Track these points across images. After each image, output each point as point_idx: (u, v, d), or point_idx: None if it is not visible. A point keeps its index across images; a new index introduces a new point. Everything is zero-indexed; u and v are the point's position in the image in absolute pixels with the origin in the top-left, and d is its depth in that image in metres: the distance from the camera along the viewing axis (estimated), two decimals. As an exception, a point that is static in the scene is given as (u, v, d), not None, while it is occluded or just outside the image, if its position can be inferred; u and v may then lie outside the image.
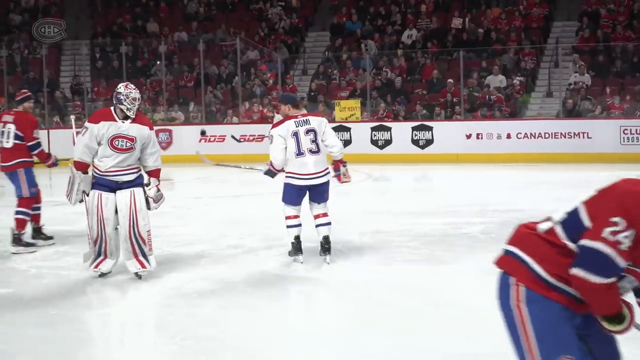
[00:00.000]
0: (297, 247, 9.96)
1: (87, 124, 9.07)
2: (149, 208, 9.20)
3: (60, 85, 30.62)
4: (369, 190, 18.94)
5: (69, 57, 32.29)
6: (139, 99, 9.10)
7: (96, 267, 9.23)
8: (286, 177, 9.94)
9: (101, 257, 9.19)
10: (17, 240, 11.14)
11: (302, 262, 9.86)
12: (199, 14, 33.45)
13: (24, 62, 31.01)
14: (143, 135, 9.10)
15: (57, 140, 25.93)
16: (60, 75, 31.76)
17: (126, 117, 9.03)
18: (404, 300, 8.13)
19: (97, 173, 9.04)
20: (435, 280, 9.02)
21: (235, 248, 11.05)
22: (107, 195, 8.98)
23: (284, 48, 30.75)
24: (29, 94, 11.94)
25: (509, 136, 23.39)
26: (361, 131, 24.93)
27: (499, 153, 23.08)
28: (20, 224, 11.19)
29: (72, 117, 12.58)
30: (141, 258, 9.10)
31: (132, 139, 8.99)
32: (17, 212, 11.26)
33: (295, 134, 9.79)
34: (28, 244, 11.27)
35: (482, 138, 23.65)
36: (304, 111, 10.21)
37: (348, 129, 25.01)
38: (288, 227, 9.98)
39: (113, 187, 9.02)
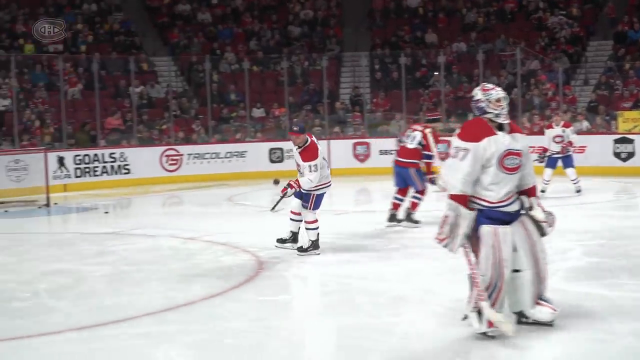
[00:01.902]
0: (318, 244, 11.72)
1: (464, 143, 7.12)
2: (542, 235, 7.42)
3: (340, 97, 31.06)
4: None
5: (348, 69, 32.74)
6: (504, 97, 7.30)
7: (490, 325, 7.09)
8: (321, 188, 11.73)
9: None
10: (408, 217, 14.17)
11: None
12: (478, 24, 33.18)
13: (304, 74, 31.60)
14: (525, 147, 7.36)
15: (336, 150, 26.41)
16: (340, 86, 32.22)
17: (499, 127, 7.24)
18: None
19: (484, 205, 7.18)
20: None
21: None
22: (504, 230, 7.15)
23: (564, 57, 30.03)
24: (440, 117, 14.57)
25: None
26: (646, 143, 23.93)
27: None
28: (414, 206, 14.22)
29: (416, 129, 14.20)
30: (541, 300, 7.40)
31: (519, 154, 7.21)
32: (413, 197, 14.25)
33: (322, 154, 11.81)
34: (415, 222, 14.12)
35: None
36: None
37: (631, 141, 24.03)
38: (317, 228, 11.69)
39: (507, 220, 7.22)
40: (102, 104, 26.38)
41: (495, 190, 7.10)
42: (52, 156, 22.43)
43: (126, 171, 24.88)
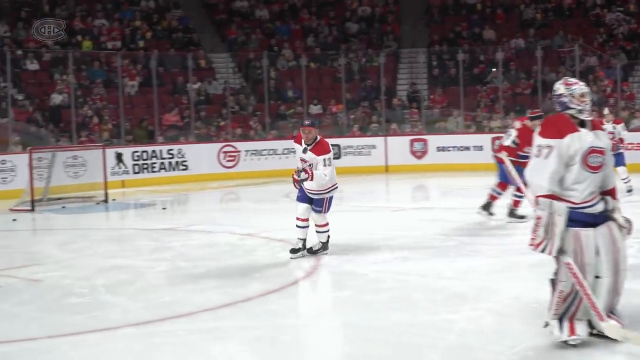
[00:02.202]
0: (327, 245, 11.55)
1: (548, 141, 6.64)
2: None
3: (397, 93, 30.96)
4: None
5: (406, 65, 32.59)
6: (588, 92, 6.78)
7: (572, 333, 6.72)
8: (332, 190, 11.35)
9: (568, 320, 6.79)
10: (511, 213, 14.18)
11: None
12: (536, 21, 32.91)
13: (362, 70, 31.55)
14: (608, 145, 6.90)
15: (393, 146, 26.38)
16: (397, 83, 32.11)
17: (581, 124, 6.73)
18: None
19: (567, 207, 6.63)
20: None
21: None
22: (586, 233, 6.63)
23: (622, 54, 29.69)
24: (541, 114, 14.14)
25: None
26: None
27: None
28: (516, 203, 14.13)
29: (514, 126, 14.37)
30: (612, 313, 6.82)
31: (602, 152, 6.70)
32: (514, 195, 14.05)
33: None
34: (520, 217, 13.96)
35: None
36: None
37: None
38: (328, 231, 11.45)
39: (590, 222, 6.68)
40: (159, 101, 26.53)
41: (579, 189, 6.62)
42: (110, 152, 22.60)
43: (184, 167, 25.01)
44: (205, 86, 29.34)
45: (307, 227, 11.31)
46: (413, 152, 26.60)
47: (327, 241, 11.45)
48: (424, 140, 26.68)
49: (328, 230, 11.41)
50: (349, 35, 33.62)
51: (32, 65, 27.34)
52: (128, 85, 27.60)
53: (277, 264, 11.01)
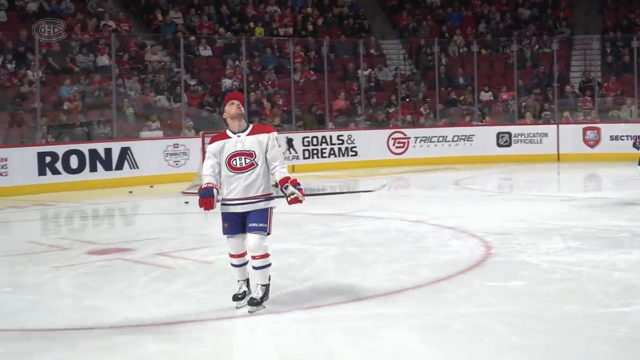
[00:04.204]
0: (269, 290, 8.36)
1: None
2: None
3: (570, 80, 30.40)
4: None
5: (579, 52, 32.02)
6: None
7: None
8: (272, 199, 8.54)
9: None
10: None
11: None
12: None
13: (534, 57, 31.12)
14: None
15: (565, 135, 25.98)
16: (571, 70, 31.55)
17: None
18: None
19: None
20: None
21: None
22: None
23: None
24: None
25: None
26: None
27: None
28: None
29: None
30: None
31: None
32: None
33: None
34: None
35: None
36: None
37: None
38: (270, 264, 8.31)
39: None
40: (330, 87, 26.76)
41: None
42: (281, 138, 22.85)
43: (353, 153, 25.19)
44: (376, 72, 29.45)
45: (247, 262, 8.33)
46: (585, 141, 26.09)
47: (269, 284, 8.33)
48: (597, 129, 26.16)
49: (269, 265, 8.29)
50: (521, 21, 33.28)
51: (205, 52, 27.93)
52: (302, 79, 27.88)
53: (447, 252, 10.96)
